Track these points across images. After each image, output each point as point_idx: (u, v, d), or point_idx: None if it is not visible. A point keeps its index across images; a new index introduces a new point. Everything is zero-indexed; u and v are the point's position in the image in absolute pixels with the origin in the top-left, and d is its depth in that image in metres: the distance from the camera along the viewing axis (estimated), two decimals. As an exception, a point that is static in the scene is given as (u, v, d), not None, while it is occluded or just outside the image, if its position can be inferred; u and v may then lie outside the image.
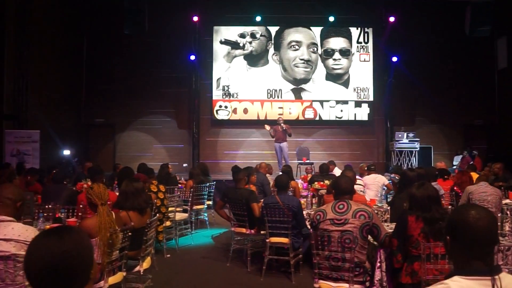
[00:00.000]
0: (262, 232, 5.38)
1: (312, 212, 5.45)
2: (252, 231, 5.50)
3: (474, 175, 6.52)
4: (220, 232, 7.97)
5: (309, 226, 5.27)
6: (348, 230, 3.38)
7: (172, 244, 6.64)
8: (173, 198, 6.63)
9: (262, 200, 5.96)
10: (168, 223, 6.22)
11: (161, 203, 5.91)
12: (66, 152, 12.63)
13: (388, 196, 7.58)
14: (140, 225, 3.83)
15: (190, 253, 6.53)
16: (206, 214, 8.33)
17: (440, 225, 3.12)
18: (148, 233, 3.93)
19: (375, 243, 3.56)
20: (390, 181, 8.33)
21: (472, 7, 10.67)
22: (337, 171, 8.59)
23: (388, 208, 4.93)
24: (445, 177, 7.31)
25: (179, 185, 8.62)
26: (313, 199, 5.86)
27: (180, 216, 7.00)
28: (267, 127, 12.02)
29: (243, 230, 5.55)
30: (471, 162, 14.32)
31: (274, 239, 5.07)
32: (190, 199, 7.30)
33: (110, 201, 3.75)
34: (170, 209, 6.57)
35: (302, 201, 5.61)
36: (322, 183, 5.87)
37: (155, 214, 4.98)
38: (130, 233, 3.50)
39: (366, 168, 8.03)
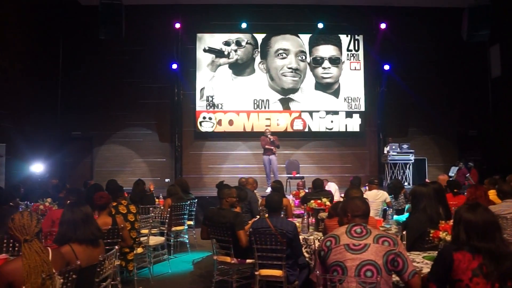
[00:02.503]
0: (249, 261, 4.54)
1: (309, 237, 4.63)
2: (238, 260, 4.63)
3: (492, 193, 5.77)
4: (203, 257, 7.10)
5: (306, 255, 4.45)
6: (370, 260, 2.57)
7: (145, 274, 5.75)
8: (147, 220, 5.73)
9: (250, 222, 5.12)
10: (140, 250, 5.33)
11: (132, 227, 5.04)
12: (38, 168, 11.68)
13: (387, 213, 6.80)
14: (90, 263, 2.96)
15: (166, 284, 5.65)
16: (186, 236, 7.46)
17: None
18: (101, 272, 3.06)
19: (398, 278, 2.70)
20: (392, 197, 7.58)
21: (470, 11, 10.11)
22: (332, 187, 7.79)
23: (401, 231, 4.13)
24: (455, 190, 6.54)
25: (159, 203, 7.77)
26: (309, 218, 5.02)
27: (155, 240, 6.10)
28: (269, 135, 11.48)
29: (227, 259, 4.66)
30: (467, 174, 13.84)
31: (265, 272, 4.23)
32: (167, 220, 6.41)
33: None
34: (143, 231, 5.71)
35: (297, 222, 4.79)
36: (319, 201, 5.07)
37: (115, 243, 4.08)
38: (74, 276, 2.64)
39: (367, 183, 7.22)
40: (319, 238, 4.50)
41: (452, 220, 2.83)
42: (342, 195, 6.59)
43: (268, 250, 4.15)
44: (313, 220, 5.07)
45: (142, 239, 5.51)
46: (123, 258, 4.83)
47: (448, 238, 3.05)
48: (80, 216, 3.04)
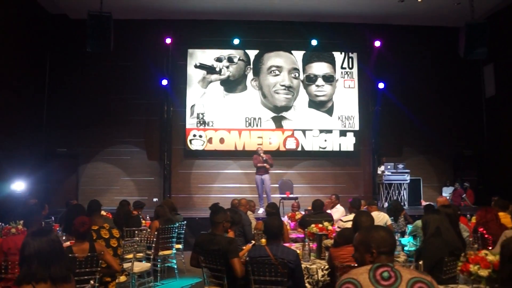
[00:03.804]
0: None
1: (311, 266, 4.20)
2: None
3: (504, 216, 5.40)
4: (192, 284, 6.60)
5: (308, 286, 4.01)
6: None
7: (129, 304, 5.27)
8: (131, 244, 5.25)
9: (245, 248, 4.68)
10: (123, 278, 4.85)
11: (114, 253, 4.57)
12: (18, 186, 11.13)
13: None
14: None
15: (151, 316, 5.17)
16: (174, 261, 6.98)
17: None
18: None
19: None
20: (391, 219, 7.21)
21: (467, 28, 9.89)
22: (339, 211, 7.34)
23: (414, 259, 3.72)
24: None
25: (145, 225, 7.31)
26: (308, 244, 4.56)
27: (140, 267, 5.62)
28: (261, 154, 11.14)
29: (220, 290, 4.22)
30: (464, 195, 13.56)
31: (263, 306, 3.77)
32: (154, 245, 5.93)
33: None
34: (127, 256, 5.24)
35: (296, 249, 4.35)
36: (320, 225, 4.64)
37: (93, 272, 3.61)
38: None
39: (366, 204, 6.82)
40: (322, 267, 4.08)
41: (481, 251, 2.43)
42: (343, 218, 6.19)
43: (267, 282, 3.69)
44: (314, 246, 4.64)
45: (125, 265, 5.03)
46: (104, 288, 4.35)
47: (483, 273, 2.63)
48: (47, 248, 2.52)
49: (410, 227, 7.25)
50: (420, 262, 3.43)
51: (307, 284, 3.99)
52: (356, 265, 2.43)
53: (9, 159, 10.93)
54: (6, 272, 3.54)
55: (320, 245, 4.38)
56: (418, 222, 6.38)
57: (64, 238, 5.02)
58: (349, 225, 5.80)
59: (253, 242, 5.07)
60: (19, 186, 11.16)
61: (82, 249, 3.93)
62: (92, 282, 3.05)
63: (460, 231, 4.00)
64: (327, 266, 4.06)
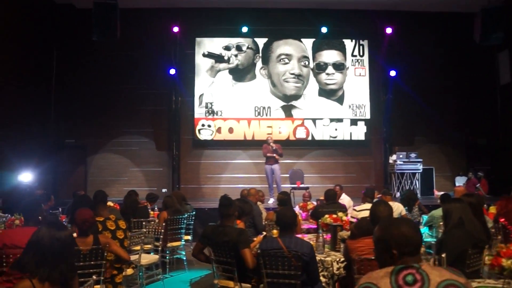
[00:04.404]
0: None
1: (326, 258, 4.01)
2: (243, 285, 4.00)
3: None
4: (201, 276, 6.46)
5: (323, 279, 3.84)
6: None
7: (137, 297, 5.13)
8: (138, 236, 5.10)
9: (256, 239, 4.51)
10: (130, 271, 4.71)
11: (121, 245, 4.42)
12: (26, 177, 11.05)
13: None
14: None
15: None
16: (183, 253, 6.84)
17: None
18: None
19: None
20: (406, 209, 7.01)
21: (483, 13, 9.60)
22: (345, 200, 7.15)
23: (435, 252, 3.52)
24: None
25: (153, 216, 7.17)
26: (322, 235, 4.34)
27: (148, 259, 5.48)
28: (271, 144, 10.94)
29: (230, 284, 4.02)
30: (478, 185, 13.29)
31: (276, 300, 3.59)
32: (162, 236, 5.78)
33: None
34: (135, 248, 5.10)
35: (307, 239, 4.17)
36: (334, 216, 4.45)
37: (99, 265, 3.45)
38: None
39: (381, 194, 6.60)
40: (337, 260, 3.90)
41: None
42: (356, 207, 6.00)
43: (279, 276, 3.51)
44: (328, 237, 4.45)
45: (133, 257, 4.89)
46: (110, 281, 4.21)
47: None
48: (56, 248, 2.28)
49: (425, 217, 7.06)
50: (443, 255, 3.22)
51: (321, 278, 3.81)
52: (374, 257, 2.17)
53: (17, 151, 10.84)
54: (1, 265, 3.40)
55: (335, 236, 4.18)
56: (435, 212, 6.19)
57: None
58: (362, 214, 5.62)
59: (264, 233, 4.89)
60: (26, 177, 11.08)
61: (86, 243, 3.78)
62: (94, 277, 2.85)
63: (485, 221, 3.78)
64: (342, 259, 3.87)
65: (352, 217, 5.65)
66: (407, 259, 1.88)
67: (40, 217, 3.80)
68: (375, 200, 6.10)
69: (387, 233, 1.98)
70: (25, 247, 2.35)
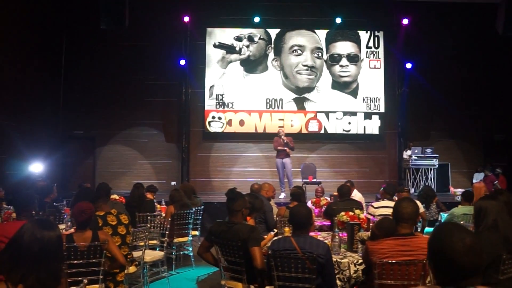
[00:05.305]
0: None
1: (342, 260, 3.70)
2: (252, 286, 3.72)
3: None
4: (209, 273, 6.20)
5: (339, 282, 3.54)
6: None
7: (140, 296, 4.89)
8: (143, 231, 4.84)
9: (267, 237, 4.23)
10: (132, 269, 4.45)
11: (122, 241, 4.16)
12: (37, 168, 10.93)
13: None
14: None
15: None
16: (191, 248, 6.59)
17: None
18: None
19: None
20: (424, 206, 6.70)
21: (506, 2, 9.17)
22: (356, 196, 6.82)
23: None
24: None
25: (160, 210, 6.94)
26: (337, 235, 4.02)
27: (152, 256, 5.22)
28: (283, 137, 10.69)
29: (239, 285, 3.74)
30: (496, 182, 12.88)
31: (288, 305, 3.29)
32: (167, 232, 5.52)
33: None
34: (139, 243, 4.85)
35: (321, 237, 3.87)
36: (351, 213, 4.15)
37: (97, 263, 3.19)
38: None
39: (397, 191, 6.27)
40: (355, 261, 3.60)
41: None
42: (374, 204, 5.68)
43: (292, 279, 3.20)
44: (344, 235, 4.14)
45: (136, 254, 4.63)
46: (112, 279, 3.95)
47: None
48: (35, 249, 1.98)
49: (443, 215, 6.74)
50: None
51: (337, 281, 3.51)
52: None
53: (27, 142, 10.78)
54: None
55: (352, 235, 3.87)
56: (455, 210, 5.87)
57: (69, 224, 4.68)
58: (380, 211, 5.32)
59: (275, 230, 4.61)
60: (37, 167, 10.98)
61: (84, 238, 3.53)
62: (85, 280, 2.57)
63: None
64: (360, 261, 3.57)
65: (369, 213, 5.35)
66: (467, 283, 1.55)
67: (33, 212, 3.54)
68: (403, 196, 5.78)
69: (444, 246, 1.61)
70: (6, 244, 2.09)
